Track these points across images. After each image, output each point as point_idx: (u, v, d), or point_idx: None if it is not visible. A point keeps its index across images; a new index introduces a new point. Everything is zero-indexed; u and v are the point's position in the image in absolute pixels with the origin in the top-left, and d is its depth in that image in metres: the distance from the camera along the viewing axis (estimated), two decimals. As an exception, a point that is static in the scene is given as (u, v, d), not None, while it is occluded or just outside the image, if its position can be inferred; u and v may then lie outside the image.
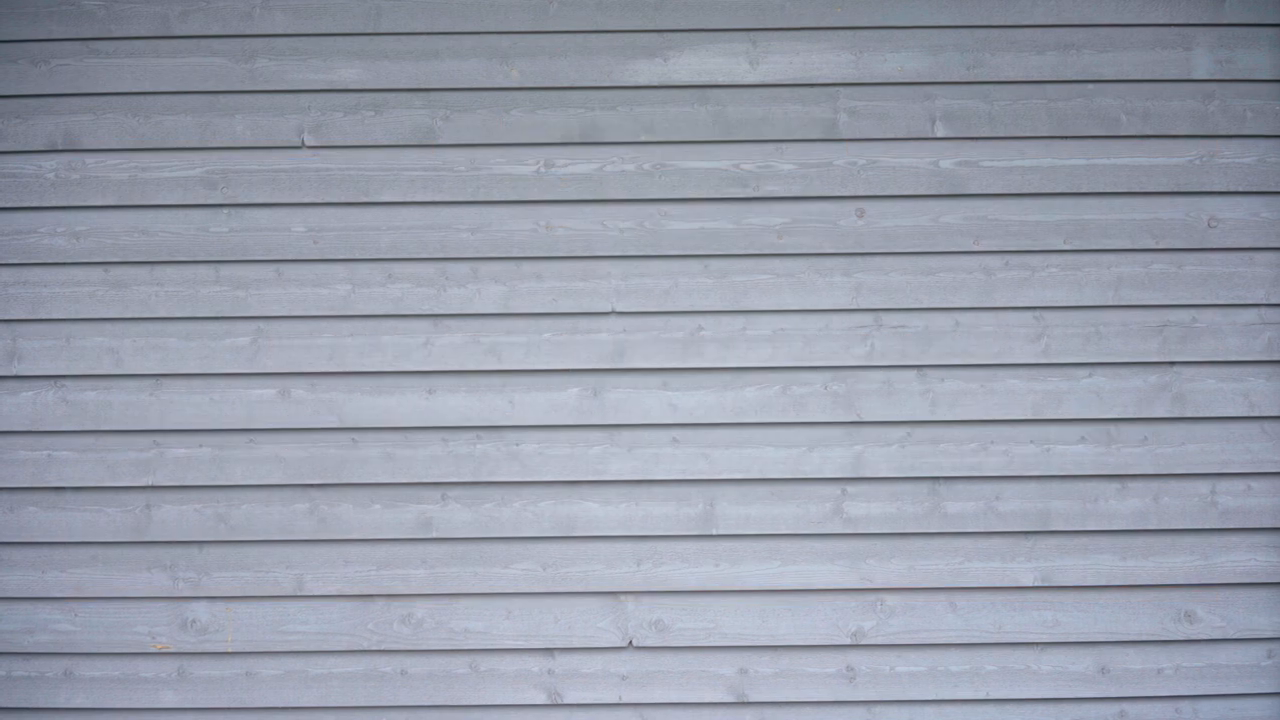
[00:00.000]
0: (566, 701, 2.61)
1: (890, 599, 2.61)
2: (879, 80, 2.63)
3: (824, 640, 2.60)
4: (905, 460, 2.60)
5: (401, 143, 2.63)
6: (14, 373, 2.60)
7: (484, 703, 2.60)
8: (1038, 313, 2.61)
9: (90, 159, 2.61)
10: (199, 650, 2.59)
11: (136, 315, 2.60)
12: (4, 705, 2.61)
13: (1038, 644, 2.61)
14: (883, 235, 2.61)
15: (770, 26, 2.63)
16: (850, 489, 2.60)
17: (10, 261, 2.61)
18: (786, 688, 2.60)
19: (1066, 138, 2.62)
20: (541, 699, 2.61)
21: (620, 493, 2.60)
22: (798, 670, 2.61)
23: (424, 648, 2.60)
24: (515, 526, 2.60)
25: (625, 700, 2.60)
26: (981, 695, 2.60)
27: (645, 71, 2.63)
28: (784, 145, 2.62)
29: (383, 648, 2.60)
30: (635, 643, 2.61)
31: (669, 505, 2.60)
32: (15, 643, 2.61)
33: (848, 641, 2.60)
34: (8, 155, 2.62)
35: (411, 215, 2.62)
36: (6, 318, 2.60)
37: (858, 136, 2.62)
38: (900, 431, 2.60)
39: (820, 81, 2.63)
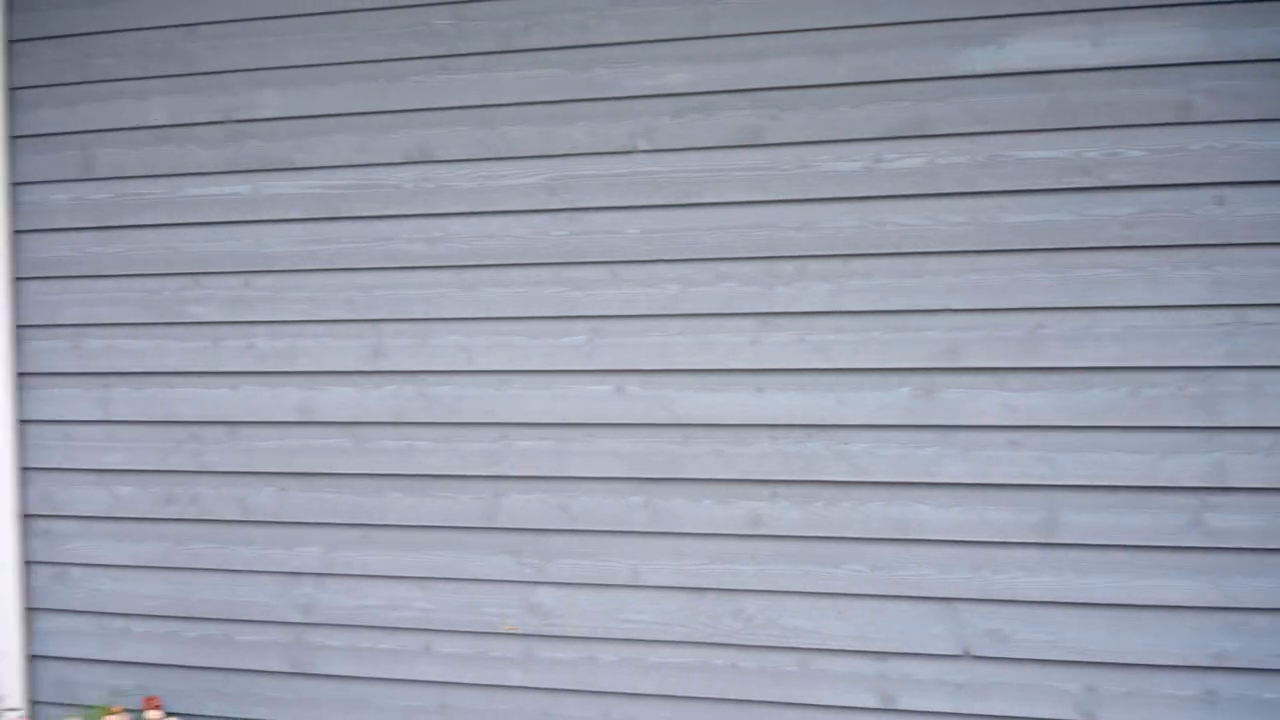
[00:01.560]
0: (900, 707, 2.69)
1: (1259, 620, 2.53)
2: (1238, 58, 2.54)
3: (1181, 661, 2.56)
4: (1274, 470, 2.51)
5: (728, 143, 2.78)
6: (379, 368, 2.96)
7: (814, 701, 2.73)
8: None
9: (443, 169, 2.93)
10: (543, 633, 2.87)
11: (485, 315, 2.89)
12: (371, 675, 2.98)
13: None
14: (1247, 224, 2.52)
15: (1115, 6, 2.59)
16: (1211, 499, 2.54)
17: (375, 266, 2.96)
18: (1139, 709, 2.58)
19: None
20: (873, 702, 2.71)
21: (954, 496, 2.65)
22: (1151, 691, 2.58)
23: (754, 643, 2.76)
24: (844, 526, 2.71)
25: (961, 710, 2.66)
26: (1363, 729, 2.48)
27: (978, 60, 2.66)
28: (1132, 130, 2.58)
29: (714, 640, 2.78)
30: (972, 651, 2.66)
31: (1007, 511, 2.63)
32: (380, 617, 2.97)
33: (1208, 663, 2.55)
34: (371, 168, 2.97)
35: (738, 215, 2.77)
36: (373, 317, 2.96)
37: (1215, 119, 2.55)
38: (1268, 438, 2.51)
39: (1171, 61, 2.57)
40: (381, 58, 2.96)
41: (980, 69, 2.65)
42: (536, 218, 2.87)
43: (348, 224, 2.98)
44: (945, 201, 2.67)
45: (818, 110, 2.73)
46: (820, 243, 2.72)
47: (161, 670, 3.15)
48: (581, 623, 2.84)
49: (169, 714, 3.09)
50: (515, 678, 2.88)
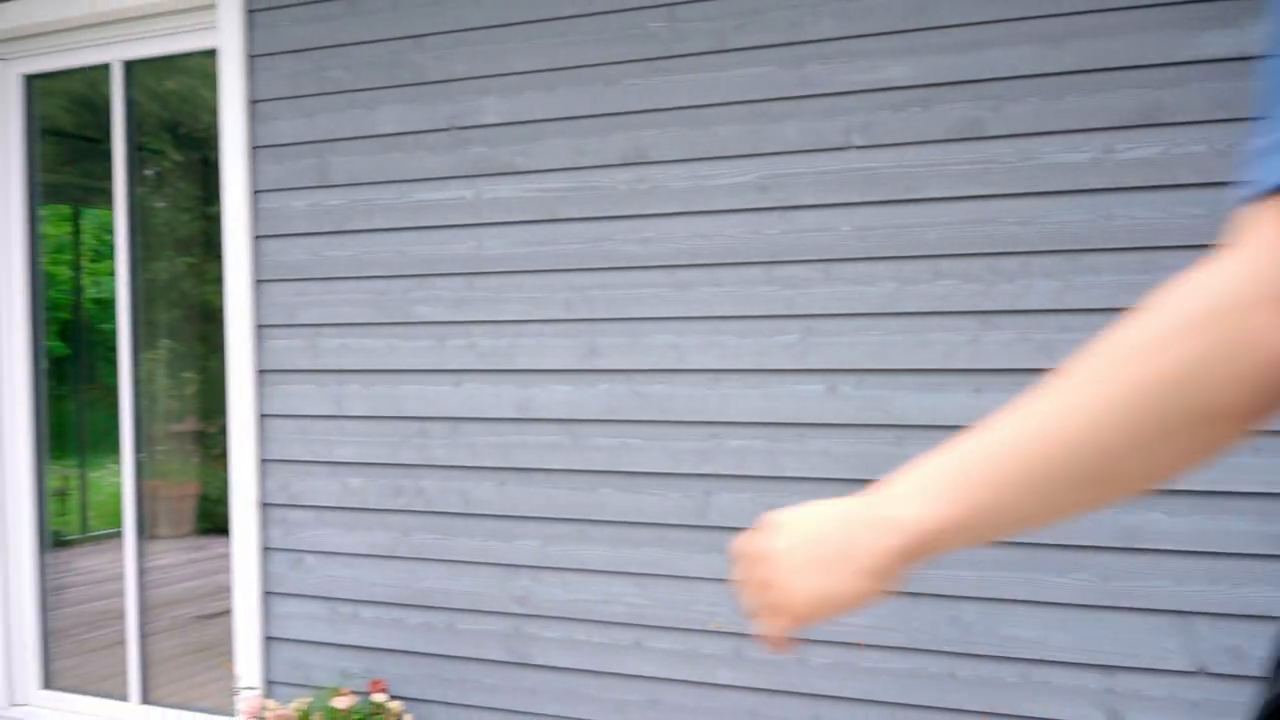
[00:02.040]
0: (1129, 722, 2.61)
1: None
2: None
3: None
4: None
5: (947, 137, 2.75)
6: (593, 366, 3.06)
7: (1036, 714, 2.67)
8: None
9: (656, 170, 3.00)
10: (752, 633, 2.90)
11: (697, 314, 2.95)
12: (584, 667, 3.08)
13: None
14: None
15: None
16: None
17: (590, 266, 3.06)
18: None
19: None
20: (1099, 717, 2.62)
21: (1193, 504, 2.55)
22: None
23: (972, 651, 2.71)
24: (1071, 534, 2.64)
25: (1198, 728, 2.55)
26: None
27: (1218, 43, 2.55)
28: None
29: (930, 647, 2.75)
30: (1208, 668, 2.54)
31: (1249, 520, 2.50)
32: (594, 611, 3.07)
33: None
34: (587, 170, 3.07)
35: (958, 210, 2.74)
36: (588, 317, 3.07)
37: None
38: None
39: None
40: (597, 62, 3.06)
41: (1218, 53, 2.54)
42: (749, 216, 2.91)
43: (564, 226, 3.09)
44: (1181, 193, 2.57)
45: (1043, 100, 2.67)
46: (1045, 238, 2.66)
47: (387, 655, 3.34)
48: (793, 623, 2.86)
49: (393, 697, 3.27)
50: (724, 676, 2.93)
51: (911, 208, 2.77)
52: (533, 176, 3.12)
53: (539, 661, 3.14)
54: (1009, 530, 0.77)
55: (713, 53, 2.95)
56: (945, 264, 2.74)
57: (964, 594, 2.71)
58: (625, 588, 3.04)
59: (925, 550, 0.81)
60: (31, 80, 4.05)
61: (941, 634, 2.74)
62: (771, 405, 2.88)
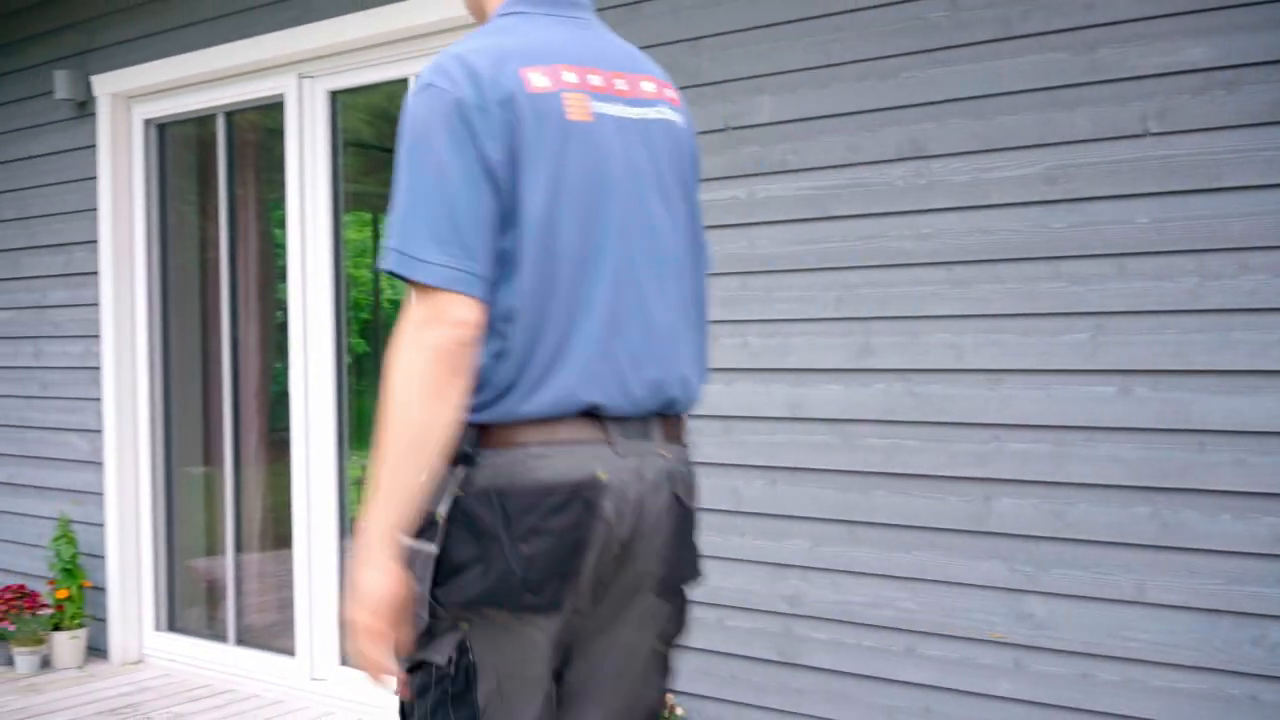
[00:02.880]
0: None
1: None
2: None
3: None
4: None
5: (1254, 121, 2.59)
6: (867, 366, 3.06)
7: (1357, 749, 2.47)
8: None
9: (935, 164, 2.97)
10: (1034, 644, 2.82)
11: (977, 312, 2.90)
12: (854, 671, 3.08)
13: None
14: None
15: None
16: None
17: (863, 264, 3.07)
18: None
19: None
20: None
21: None
22: None
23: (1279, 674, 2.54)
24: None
25: None
26: None
27: None
28: None
29: (1231, 668, 2.59)
30: None
31: None
32: (863, 615, 3.07)
33: None
34: (861, 166, 3.08)
35: (1268, 199, 2.57)
36: (861, 315, 3.07)
37: None
38: None
39: None
40: (873, 56, 3.06)
41: None
42: (1034, 210, 2.83)
43: (837, 223, 3.11)
44: None
45: (1369, 77, 2.47)
46: (1371, 228, 2.47)
47: (658, 648, 3.45)
48: (1077, 637, 2.76)
49: (664, 690, 3.37)
50: (1004, 688, 2.86)
51: (1214, 197, 2.63)
52: (805, 174, 3.15)
53: (808, 663, 3.17)
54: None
55: (997, 40, 2.89)
56: (1253, 257, 2.58)
57: (1271, 613, 2.54)
58: (896, 592, 3.02)
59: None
60: (336, 96, 4.42)
61: (1244, 654, 2.57)
62: (1057, 407, 2.79)
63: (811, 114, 3.15)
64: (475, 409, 1.52)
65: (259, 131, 4.89)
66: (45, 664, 4.86)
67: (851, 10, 3.08)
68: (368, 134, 4.67)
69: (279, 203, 4.62)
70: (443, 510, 1.52)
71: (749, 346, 3.26)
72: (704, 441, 3.33)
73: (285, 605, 4.59)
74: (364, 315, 4.82)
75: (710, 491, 3.32)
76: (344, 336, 4.45)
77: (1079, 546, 2.76)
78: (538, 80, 1.54)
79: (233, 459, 4.84)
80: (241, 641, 4.78)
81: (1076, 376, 2.77)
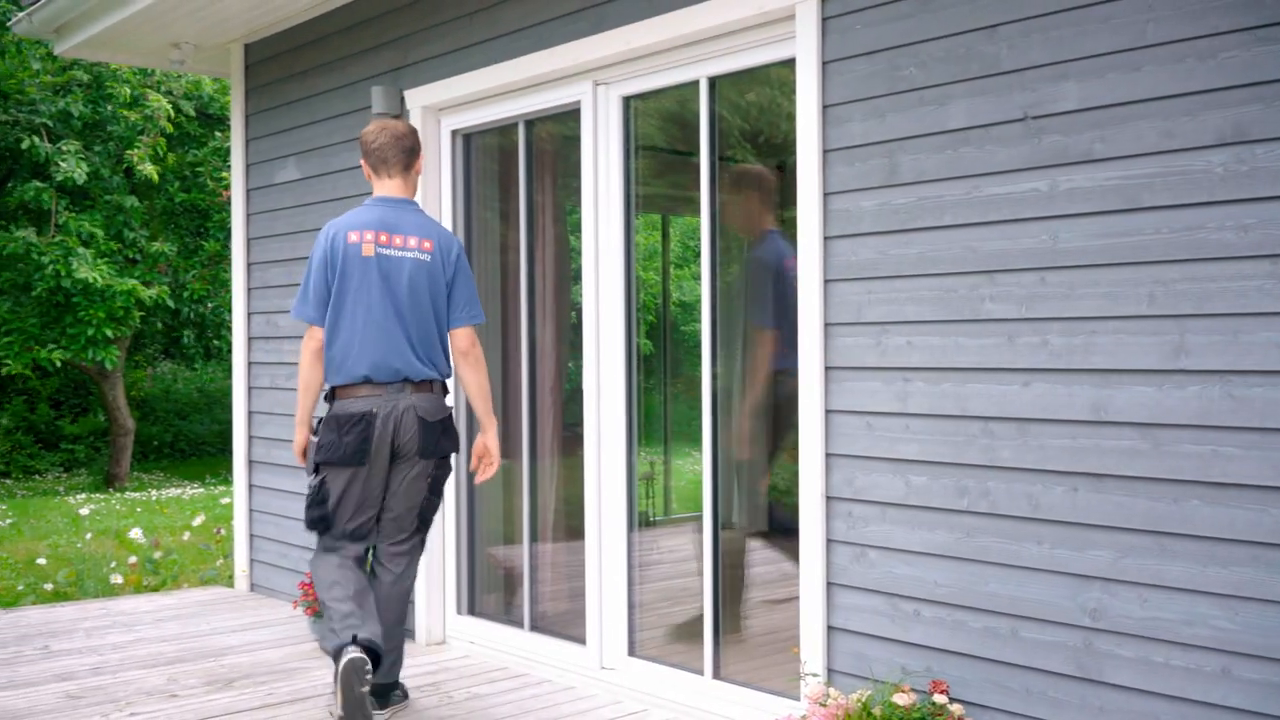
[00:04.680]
0: None
1: None
2: None
3: None
4: None
5: None
6: (1180, 367, 2.91)
7: None
8: None
9: (1259, 149, 2.78)
10: (1374, 674, 2.60)
11: (1307, 309, 2.70)
12: (1162, 691, 2.93)
13: None
14: None
15: None
16: None
17: (1178, 258, 2.91)
18: None
19: None
20: None
21: None
22: None
23: None
24: None
25: None
26: None
27: None
28: None
29: None
30: None
31: None
32: (1174, 632, 2.91)
33: None
34: (1175, 154, 2.92)
35: None
36: (1174, 313, 2.92)
37: None
38: None
39: None
40: (1188, 36, 2.91)
41: None
42: (1376, 197, 2.61)
43: (1148, 215, 2.97)
44: None
45: None
46: None
47: (947, 656, 3.39)
48: None
49: (952, 699, 3.32)
50: (1337, 720, 2.65)
51: None
52: (1112, 164, 3.03)
53: (1111, 680, 3.04)
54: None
55: (1332, 14, 2.68)
56: None
57: None
58: (1211, 609, 2.84)
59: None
60: (629, 101, 4.60)
61: None
62: (1402, 414, 2.56)
63: (1120, 100, 3.02)
64: (326, 379, 4.05)
65: (556, 139, 5.14)
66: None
67: (1165, -11, 2.94)
68: (658, 138, 4.82)
69: (574, 207, 4.84)
70: (318, 418, 4.03)
71: (1049, 346, 3.16)
72: (997, 444, 3.25)
73: (576, 595, 4.81)
74: (649, 318, 4.97)
75: (1005, 496, 3.24)
76: (634, 336, 4.61)
77: None
78: (353, 237, 3.99)
79: (529, 453, 5.11)
80: (535, 628, 5.04)
81: None
